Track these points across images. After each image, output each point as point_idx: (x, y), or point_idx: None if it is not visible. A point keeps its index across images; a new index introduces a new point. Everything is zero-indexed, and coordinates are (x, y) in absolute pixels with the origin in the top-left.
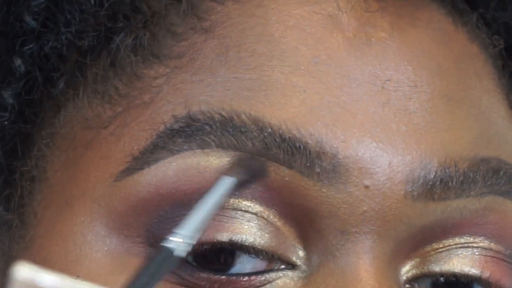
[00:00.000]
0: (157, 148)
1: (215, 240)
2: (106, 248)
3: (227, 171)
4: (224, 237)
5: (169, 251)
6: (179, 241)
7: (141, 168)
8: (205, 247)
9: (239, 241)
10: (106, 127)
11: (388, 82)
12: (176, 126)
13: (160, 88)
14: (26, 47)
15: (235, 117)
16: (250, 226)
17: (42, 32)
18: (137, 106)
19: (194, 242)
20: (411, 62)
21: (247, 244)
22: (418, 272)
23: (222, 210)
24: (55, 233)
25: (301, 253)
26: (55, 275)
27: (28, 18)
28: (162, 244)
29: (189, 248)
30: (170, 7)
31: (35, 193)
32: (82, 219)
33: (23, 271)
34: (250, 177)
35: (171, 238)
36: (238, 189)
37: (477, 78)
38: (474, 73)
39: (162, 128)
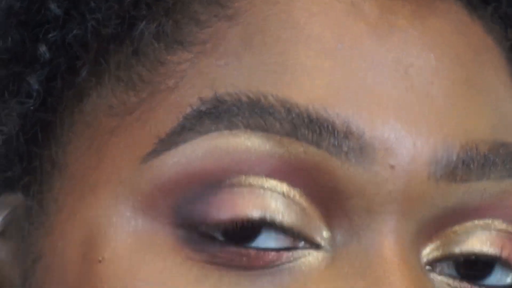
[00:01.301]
0: (185, 130)
1: (245, 217)
2: (131, 229)
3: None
4: (254, 213)
5: None
6: None
7: (168, 149)
8: (236, 223)
9: (269, 218)
10: (131, 113)
11: (410, 68)
12: (203, 108)
13: (184, 73)
14: (51, 35)
15: (262, 99)
16: (278, 204)
17: (66, 19)
18: (162, 91)
19: None
20: (432, 50)
21: (276, 221)
22: (439, 254)
23: (251, 188)
24: (78, 218)
25: (325, 233)
26: None
27: (52, 6)
28: None
29: None
30: None
31: (55, 180)
32: (107, 202)
33: None
34: None
35: None
36: None
37: (494, 70)
38: (491, 64)
39: (188, 110)
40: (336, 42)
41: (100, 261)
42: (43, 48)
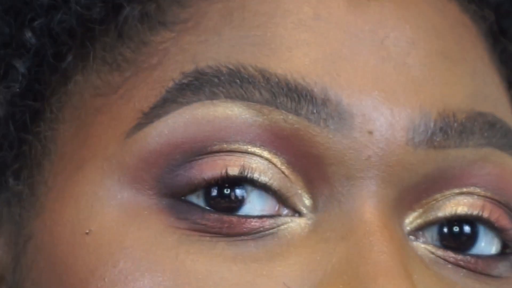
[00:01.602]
0: (167, 102)
1: (225, 175)
2: (117, 202)
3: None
4: (235, 171)
5: None
6: None
7: (151, 122)
8: (218, 181)
9: (248, 174)
10: (116, 92)
11: (387, 39)
12: (184, 81)
13: (167, 51)
14: (36, 21)
15: (241, 69)
16: (259, 165)
17: (51, 6)
18: (145, 69)
19: None
20: (408, 21)
21: (255, 177)
22: (421, 221)
23: (232, 152)
24: (66, 196)
25: (307, 201)
26: None
27: None
28: None
29: None
30: None
31: (45, 163)
32: (93, 178)
33: None
34: None
35: None
36: None
37: (471, 44)
38: (468, 39)
39: (171, 84)
40: (313, 14)
41: (87, 233)
42: (29, 34)
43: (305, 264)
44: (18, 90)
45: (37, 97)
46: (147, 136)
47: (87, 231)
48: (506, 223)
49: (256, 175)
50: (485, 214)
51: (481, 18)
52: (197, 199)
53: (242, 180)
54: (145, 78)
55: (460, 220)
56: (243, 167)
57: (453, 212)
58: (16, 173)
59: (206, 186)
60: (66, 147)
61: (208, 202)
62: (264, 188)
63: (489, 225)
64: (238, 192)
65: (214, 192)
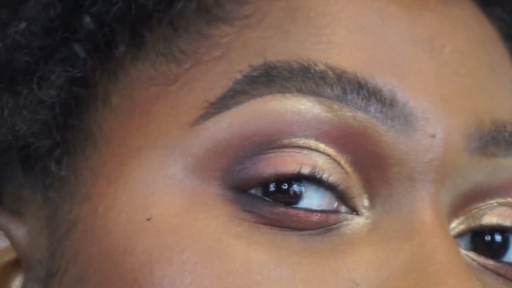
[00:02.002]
0: (237, 93)
1: (296, 173)
2: (180, 190)
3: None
4: (306, 170)
5: None
6: None
7: (221, 112)
8: (281, 182)
9: (318, 175)
10: (174, 83)
11: (444, 48)
12: (254, 73)
13: (230, 44)
14: (95, 8)
15: (312, 65)
16: (324, 163)
17: None
18: (207, 61)
19: None
20: (460, 34)
21: (324, 177)
22: (464, 227)
23: (301, 149)
24: (121, 182)
25: (366, 201)
26: None
27: None
28: None
29: None
30: None
31: (89, 150)
32: (154, 166)
33: None
34: None
35: None
36: None
37: (508, 60)
38: (505, 54)
39: (239, 76)
40: (375, 19)
41: (148, 219)
42: (87, 20)
43: (370, 262)
44: (78, 74)
45: (85, 83)
46: (217, 126)
47: (148, 217)
48: None
49: (325, 176)
50: None
51: (508, 37)
52: (257, 193)
53: (310, 179)
54: (208, 70)
55: (495, 229)
56: (314, 167)
57: (495, 223)
58: (59, 159)
59: (274, 181)
60: (116, 135)
61: (268, 197)
62: (328, 186)
63: None
64: (296, 187)
65: (273, 187)
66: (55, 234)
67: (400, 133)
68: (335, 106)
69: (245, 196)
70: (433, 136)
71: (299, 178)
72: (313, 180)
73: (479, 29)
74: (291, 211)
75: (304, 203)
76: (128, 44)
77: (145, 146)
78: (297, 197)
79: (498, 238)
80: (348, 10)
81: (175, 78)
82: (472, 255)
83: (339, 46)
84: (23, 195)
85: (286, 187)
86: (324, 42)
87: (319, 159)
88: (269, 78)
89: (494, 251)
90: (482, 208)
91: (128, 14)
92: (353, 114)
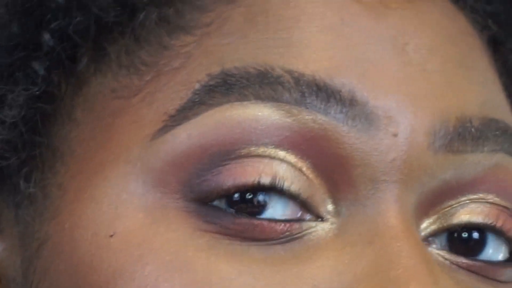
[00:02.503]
0: (195, 104)
1: (256, 183)
2: (142, 205)
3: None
4: (266, 180)
5: None
6: None
7: (180, 124)
8: (247, 189)
9: (278, 184)
10: (136, 95)
11: (407, 45)
12: (212, 82)
13: (190, 54)
14: (54, 23)
15: (270, 70)
16: (286, 172)
17: (68, 8)
18: (167, 72)
19: None
20: (426, 29)
21: (284, 187)
22: (436, 227)
23: (260, 158)
24: (86, 197)
25: (330, 207)
26: None
27: None
28: None
29: None
30: None
31: (57, 166)
32: (116, 181)
33: None
34: None
35: None
36: None
37: (480, 53)
38: (478, 48)
39: (197, 86)
40: (337, 19)
41: (111, 236)
42: (47, 36)
43: (333, 267)
44: (37, 92)
45: (50, 99)
46: (175, 139)
47: (112, 234)
48: None
49: (286, 185)
50: (499, 224)
51: (484, 28)
52: (220, 204)
53: (271, 189)
54: (168, 81)
55: (469, 227)
56: (274, 176)
57: (467, 220)
58: (27, 176)
59: (235, 192)
60: (82, 149)
61: (231, 207)
62: (290, 195)
63: (501, 234)
64: (260, 198)
65: (236, 198)
66: (27, 251)
67: (362, 133)
68: (294, 110)
69: (207, 208)
70: (395, 135)
71: (261, 188)
72: (275, 190)
73: (447, 23)
74: (254, 221)
75: (268, 213)
76: (90, 57)
77: (109, 161)
78: (261, 207)
79: (474, 235)
80: (308, 12)
81: (136, 90)
82: (445, 254)
83: (298, 49)
84: (1, 213)
85: (250, 197)
86: (282, 46)
87: (280, 167)
88: (227, 87)
89: (470, 248)
90: (454, 206)
91: (89, 27)
92: (313, 117)
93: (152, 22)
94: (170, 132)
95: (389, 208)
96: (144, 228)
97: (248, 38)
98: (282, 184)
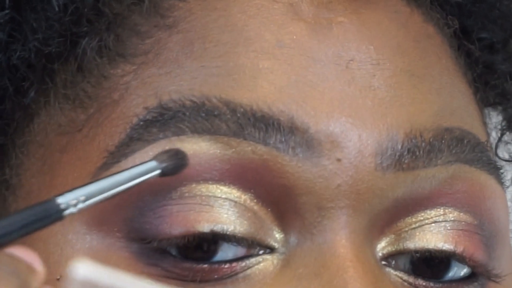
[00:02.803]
0: (133, 140)
1: (196, 231)
2: (87, 246)
3: (153, 157)
4: (205, 228)
5: (56, 205)
6: (72, 201)
7: (118, 161)
8: (188, 238)
9: (220, 230)
10: (80, 130)
11: (351, 62)
12: (149, 117)
13: (128, 85)
14: None
15: (206, 102)
16: (229, 215)
17: (9, 42)
18: (108, 105)
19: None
20: (371, 42)
21: (227, 233)
22: (393, 249)
23: (201, 198)
24: (35, 237)
25: (278, 235)
26: (114, 272)
27: None
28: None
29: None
30: (132, 7)
31: (10, 200)
32: (62, 221)
33: (82, 268)
34: (173, 166)
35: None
36: (159, 175)
37: (436, 56)
38: (433, 51)
39: (135, 120)
40: (275, 41)
41: (58, 280)
42: None
43: None
44: None
45: (2, 131)
46: None
47: (58, 277)
48: (479, 255)
49: (226, 229)
50: (459, 250)
51: (445, 25)
52: (166, 245)
53: (217, 235)
54: (109, 115)
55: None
56: (214, 223)
57: (424, 246)
58: None
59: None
60: (32, 185)
61: (180, 250)
62: (236, 239)
63: (462, 260)
64: (206, 244)
65: (184, 242)
66: None
67: (305, 161)
68: (233, 142)
69: (150, 249)
70: (339, 160)
71: (208, 236)
72: (220, 236)
73: (397, 32)
74: (196, 266)
75: (219, 256)
76: (37, 90)
77: None
78: (211, 252)
79: (437, 255)
80: (245, 36)
81: (81, 124)
82: (404, 275)
83: (234, 77)
84: None
85: (199, 241)
86: (219, 75)
87: (222, 210)
88: (163, 121)
89: (434, 270)
90: (413, 225)
91: (31, 60)
92: (252, 148)
93: (93, 50)
94: (110, 170)
95: (337, 236)
96: None
97: (185, 67)
98: (226, 230)
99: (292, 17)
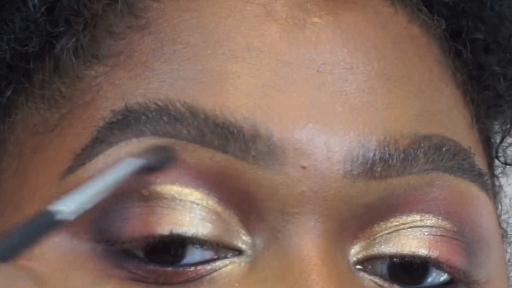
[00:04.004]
0: (97, 142)
1: (157, 234)
2: (55, 247)
3: (134, 155)
4: (165, 230)
5: (51, 215)
6: (63, 209)
7: (83, 164)
8: (149, 240)
9: (181, 233)
10: (53, 130)
11: (323, 65)
12: (114, 119)
13: (100, 87)
14: None
15: (170, 106)
16: (191, 217)
17: None
18: (80, 106)
19: (76, 215)
20: (346, 45)
21: (189, 235)
22: (368, 253)
23: (162, 201)
24: None
25: (245, 238)
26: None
27: None
28: (45, 207)
29: (71, 218)
30: (108, 8)
31: None
32: None
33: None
34: (159, 162)
35: (55, 205)
36: (145, 173)
37: (417, 58)
38: (414, 53)
39: (101, 123)
40: (245, 44)
41: None
42: None
43: None
44: None
45: None
46: (79, 179)
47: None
48: (456, 260)
49: (188, 231)
50: (434, 255)
51: (432, 26)
52: (133, 246)
53: (179, 238)
54: (80, 116)
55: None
56: (176, 226)
57: (399, 251)
58: None
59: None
60: (8, 184)
61: (148, 253)
62: (200, 241)
63: (438, 265)
64: (172, 248)
65: (149, 245)
66: None
67: (266, 169)
68: (190, 147)
69: (115, 251)
70: (304, 167)
71: (170, 238)
72: (183, 238)
73: (375, 33)
74: (159, 269)
75: (187, 259)
76: (14, 89)
77: (27, 199)
78: (178, 256)
79: (416, 262)
80: (215, 38)
81: (54, 124)
82: (379, 280)
83: (201, 81)
84: None
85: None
86: (186, 79)
87: (185, 212)
88: (126, 123)
89: (413, 275)
90: (388, 230)
91: (7, 59)
92: (210, 155)
93: (69, 50)
94: (75, 173)
95: (302, 240)
96: (57, 273)
97: (154, 70)
98: (187, 232)
99: (265, 18)
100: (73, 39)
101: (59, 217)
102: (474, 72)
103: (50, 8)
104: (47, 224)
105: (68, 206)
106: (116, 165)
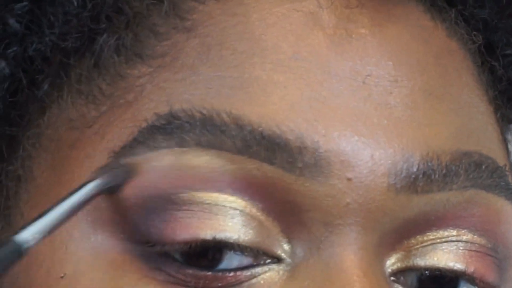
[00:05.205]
0: (136, 143)
1: (199, 239)
2: (91, 245)
3: (92, 177)
4: (208, 235)
5: (17, 244)
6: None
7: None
8: (191, 245)
9: (223, 238)
10: (91, 127)
11: (368, 77)
12: (157, 123)
13: (143, 87)
14: (10, 50)
15: (215, 116)
16: (234, 223)
17: (26, 34)
18: (121, 105)
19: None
20: (391, 58)
21: (231, 241)
22: (403, 265)
23: (204, 206)
24: None
25: (285, 246)
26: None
27: (11, 21)
28: (11, 236)
29: (32, 244)
30: (152, 7)
31: (21, 193)
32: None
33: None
34: (117, 180)
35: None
36: (105, 192)
37: (456, 73)
38: (454, 68)
39: (144, 125)
40: (292, 53)
41: (62, 277)
42: (2, 64)
43: None
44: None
45: (13, 125)
46: None
47: (62, 275)
48: (490, 277)
49: (230, 237)
50: (469, 270)
51: (469, 40)
52: (171, 249)
53: (220, 244)
54: (120, 115)
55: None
56: (218, 231)
57: (435, 264)
58: None
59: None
60: (42, 179)
61: (185, 257)
62: (241, 247)
63: (472, 281)
64: (211, 252)
65: (189, 249)
66: None
67: (312, 180)
68: (236, 159)
69: (154, 253)
70: (349, 179)
71: (211, 243)
72: (224, 244)
73: (418, 47)
74: (199, 273)
75: (224, 264)
76: (51, 83)
77: (62, 195)
78: (216, 260)
79: (447, 274)
80: (262, 46)
81: (92, 121)
82: None
83: (247, 91)
84: None
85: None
86: (232, 87)
87: (228, 219)
88: (169, 130)
89: (442, 287)
90: (424, 243)
91: (47, 53)
92: (257, 166)
93: (111, 47)
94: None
95: (344, 251)
96: (91, 271)
97: (200, 74)
98: (230, 238)
99: (312, 27)
100: (115, 37)
101: (25, 246)
102: (505, 88)
103: (93, 4)
104: (13, 253)
105: (33, 234)
106: (77, 190)
